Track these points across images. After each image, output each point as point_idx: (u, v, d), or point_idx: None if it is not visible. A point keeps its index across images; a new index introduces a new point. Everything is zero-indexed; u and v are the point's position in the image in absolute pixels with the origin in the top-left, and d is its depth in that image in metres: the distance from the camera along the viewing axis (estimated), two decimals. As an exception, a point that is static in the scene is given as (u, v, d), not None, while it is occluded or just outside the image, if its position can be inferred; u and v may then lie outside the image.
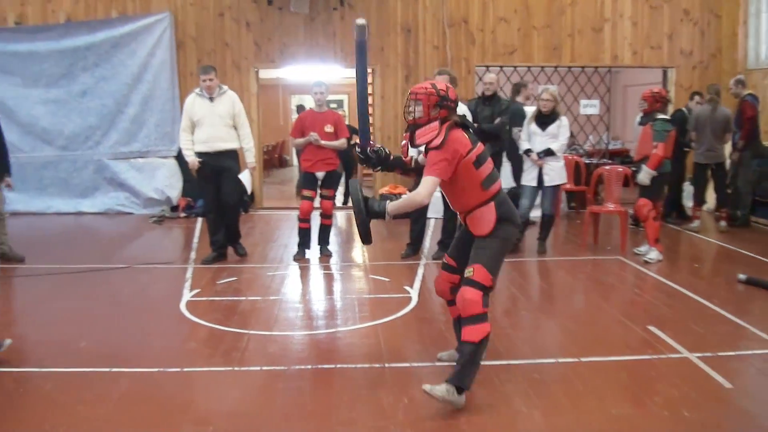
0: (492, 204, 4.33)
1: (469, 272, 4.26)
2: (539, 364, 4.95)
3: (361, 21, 4.46)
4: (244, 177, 8.16)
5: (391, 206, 4.28)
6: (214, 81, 8.01)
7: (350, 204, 12.91)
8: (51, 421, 4.15)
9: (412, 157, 4.66)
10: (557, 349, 5.32)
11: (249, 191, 9.35)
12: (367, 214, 4.30)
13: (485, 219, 4.33)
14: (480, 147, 4.37)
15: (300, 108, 16.22)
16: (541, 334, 5.77)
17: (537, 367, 4.86)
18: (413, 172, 4.72)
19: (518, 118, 9.20)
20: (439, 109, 4.32)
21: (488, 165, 4.37)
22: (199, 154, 8.01)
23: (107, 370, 4.90)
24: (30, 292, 7.31)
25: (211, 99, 8.01)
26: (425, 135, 4.31)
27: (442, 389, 4.14)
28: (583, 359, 5.01)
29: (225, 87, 8.24)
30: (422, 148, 4.43)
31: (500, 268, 4.37)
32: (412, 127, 4.38)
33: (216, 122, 7.96)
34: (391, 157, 4.60)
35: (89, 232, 10.77)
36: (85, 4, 12.19)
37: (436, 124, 4.30)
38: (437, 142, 4.23)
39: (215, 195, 8.14)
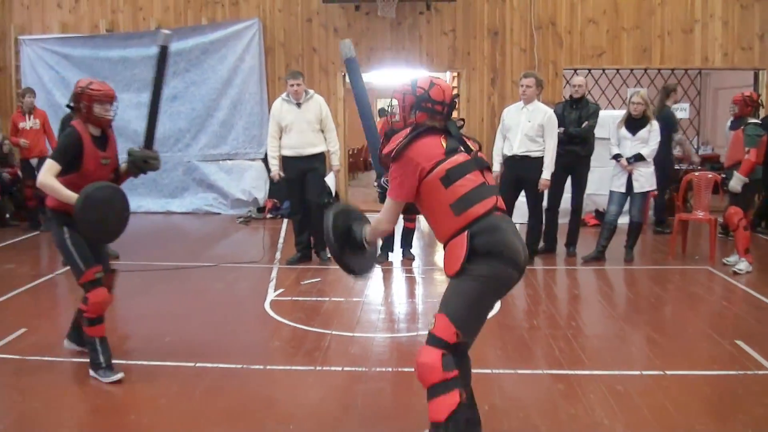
0: (464, 235, 3.33)
1: (432, 324, 3.38)
2: (623, 375, 4.84)
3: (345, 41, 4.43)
4: (329, 179, 8.23)
5: (366, 233, 3.70)
6: (301, 86, 8.12)
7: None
8: (136, 413, 4.31)
9: None
10: (642, 360, 5.19)
11: (333, 193, 9.45)
12: (341, 247, 3.66)
13: (452, 254, 3.37)
14: (457, 159, 3.41)
15: (382, 111, 16.27)
16: (626, 345, 5.64)
17: (621, 379, 4.76)
18: None
19: (672, 123, 9.15)
20: (417, 111, 3.50)
21: (466, 182, 3.38)
22: (287, 158, 8.14)
23: (191, 364, 5.03)
24: (121, 287, 7.55)
25: (299, 104, 8.11)
26: (390, 146, 3.49)
27: None
28: (668, 372, 4.88)
29: (311, 91, 8.35)
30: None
31: (480, 319, 3.45)
32: (389, 132, 3.60)
33: (304, 128, 8.07)
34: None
35: (178, 231, 11.08)
36: (175, 12, 12.60)
37: (406, 131, 3.48)
38: (391, 152, 3.42)
39: (301, 196, 8.26)
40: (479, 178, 3.44)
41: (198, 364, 5.02)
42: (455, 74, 13.75)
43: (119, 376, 4.74)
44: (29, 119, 10.44)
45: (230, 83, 12.21)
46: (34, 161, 10.49)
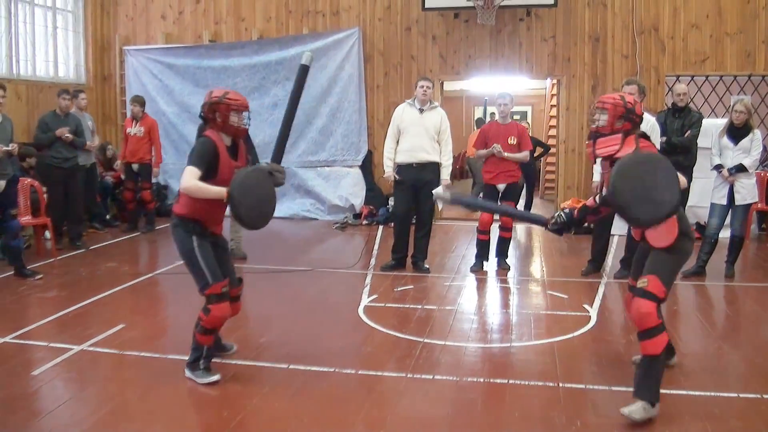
0: (674, 217, 4.27)
1: (643, 283, 4.26)
2: (719, 397, 4.68)
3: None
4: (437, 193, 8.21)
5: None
6: (431, 90, 8.22)
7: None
8: (229, 410, 4.44)
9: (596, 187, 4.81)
10: (739, 382, 5.00)
11: (440, 207, 9.40)
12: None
13: (667, 231, 4.30)
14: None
15: (479, 121, 16.23)
16: (723, 365, 5.43)
17: (717, 401, 4.61)
18: (600, 213, 4.81)
19: None
20: (624, 121, 4.41)
21: None
22: (401, 166, 8.20)
23: (285, 366, 5.15)
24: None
25: (421, 111, 8.18)
26: (606, 145, 4.44)
27: (639, 410, 4.15)
28: (766, 396, 4.69)
29: (436, 103, 8.46)
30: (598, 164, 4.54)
31: (672, 283, 4.36)
32: (594, 135, 4.51)
33: (421, 133, 8.12)
34: (575, 213, 4.69)
35: (275, 235, 11.29)
36: (277, 22, 12.94)
37: (618, 136, 4.40)
38: (629, 150, 4.30)
39: (407, 205, 8.30)
40: None
41: (291, 366, 5.13)
42: (555, 81, 13.59)
43: (216, 377, 4.84)
44: (135, 126, 10.93)
45: (330, 91, 12.42)
46: (135, 166, 10.96)
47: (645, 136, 4.48)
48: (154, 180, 11.64)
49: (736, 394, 4.73)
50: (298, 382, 4.88)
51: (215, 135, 4.77)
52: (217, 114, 4.77)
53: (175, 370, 5.09)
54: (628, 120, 4.41)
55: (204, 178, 4.63)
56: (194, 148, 4.73)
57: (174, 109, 13.01)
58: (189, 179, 4.59)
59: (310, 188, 12.59)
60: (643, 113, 4.50)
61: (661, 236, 4.32)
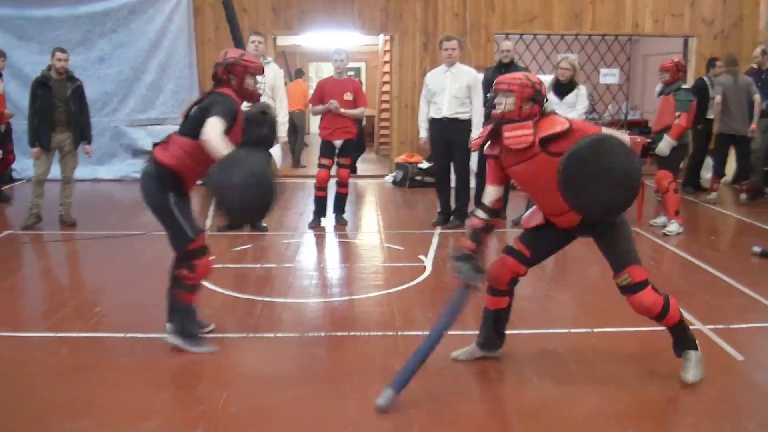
0: None
1: (627, 278, 4.03)
2: (551, 333, 4.96)
3: None
4: (275, 152, 8.10)
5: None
6: (262, 45, 8.03)
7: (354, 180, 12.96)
8: (64, 384, 4.21)
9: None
10: (570, 319, 5.32)
11: (279, 165, 9.27)
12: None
13: None
14: None
15: (299, 72, 16.31)
16: (554, 304, 5.76)
17: (549, 337, 4.87)
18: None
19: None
20: (533, 104, 3.97)
21: None
22: None
23: (122, 335, 4.95)
24: (50, 257, 7.42)
25: None
26: (517, 133, 3.93)
27: (693, 363, 4.16)
28: (596, 330, 5.01)
29: (270, 58, 8.27)
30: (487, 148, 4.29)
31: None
32: (499, 121, 4.03)
33: None
34: (471, 249, 4.20)
35: (106, 198, 10.81)
36: (103, -30, 12.17)
37: (530, 122, 3.94)
38: (563, 128, 3.90)
39: None
40: None
41: (128, 335, 4.94)
42: (388, 38, 13.70)
43: (214, 348, 4.65)
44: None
45: (158, 45, 11.93)
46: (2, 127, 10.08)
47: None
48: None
49: (567, 330, 5.02)
50: (138, 350, 4.70)
51: (234, 95, 4.49)
52: (232, 76, 4.50)
53: (15, 345, 4.80)
54: (537, 102, 3.98)
55: None
56: (217, 101, 4.35)
57: (-6, 63, 12.05)
58: (217, 129, 4.14)
59: (140, 148, 12.06)
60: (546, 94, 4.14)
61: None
